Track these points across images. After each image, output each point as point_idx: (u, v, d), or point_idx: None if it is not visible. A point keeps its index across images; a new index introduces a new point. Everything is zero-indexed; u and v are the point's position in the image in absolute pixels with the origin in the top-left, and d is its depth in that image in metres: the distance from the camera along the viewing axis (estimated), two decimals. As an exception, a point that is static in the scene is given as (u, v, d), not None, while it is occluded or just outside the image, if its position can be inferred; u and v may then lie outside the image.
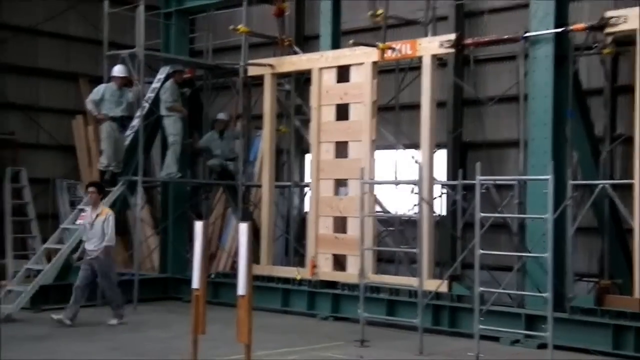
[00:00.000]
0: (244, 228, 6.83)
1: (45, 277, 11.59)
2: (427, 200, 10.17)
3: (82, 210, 12.58)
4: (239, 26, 12.65)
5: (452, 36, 10.79)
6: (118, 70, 12.50)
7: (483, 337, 8.51)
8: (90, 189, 11.04)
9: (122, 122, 12.55)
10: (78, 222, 12.37)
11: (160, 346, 9.02)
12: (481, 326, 8.34)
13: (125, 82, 12.64)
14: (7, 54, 16.23)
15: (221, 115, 14.09)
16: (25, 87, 16.65)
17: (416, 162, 11.55)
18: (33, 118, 16.64)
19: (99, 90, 12.49)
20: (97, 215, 10.60)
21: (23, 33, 16.38)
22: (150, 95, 13.32)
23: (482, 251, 8.41)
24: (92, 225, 10.58)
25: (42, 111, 16.92)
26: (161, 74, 13.65)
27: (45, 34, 16.73)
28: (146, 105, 12.94)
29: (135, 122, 12.84)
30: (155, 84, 13.50)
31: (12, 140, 16.20)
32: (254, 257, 7.86)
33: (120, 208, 13.27)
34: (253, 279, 6.90)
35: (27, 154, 16.45)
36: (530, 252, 9.46)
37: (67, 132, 17.06)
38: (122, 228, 14.87)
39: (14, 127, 16.32)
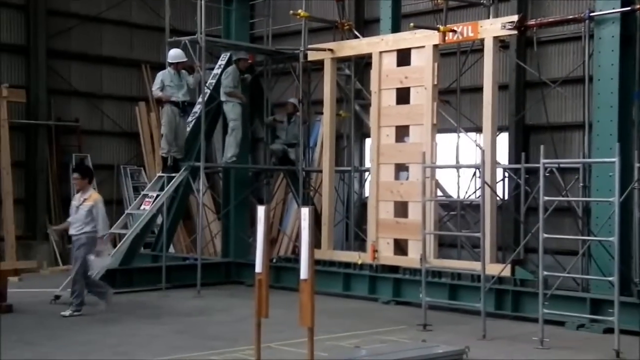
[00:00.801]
0: (306, 212, 6.86)
1: (111, 262, 11.84)
2: (489, 184, 10.05)
3: (146, 195, 12.87)
4: (299, 11, 12.67)
5: (515, 17, 10.59)
6: (172, 56, 12.58)
7: (547, 322, 8.41)
8: (74, 175, 10.96)
9: (184, 107, 12.63)
10: (142, 207, 12.66)
11: (225, 329, 9.16)
12: (545, 310, 8.23)
13: (184, 67, 12.72)
14: (72, 42, 16.63)
15: (292, 99, 14.11)
16: (89, 75, 17.04)
17: (478, 146, 11.41)
18: (97, 105, 17.02)
19: (158, 78, 12.63)
20: (84, 200, 10.18)
21: (88, 21, 16.75)
22: (211, 81, 13.48)
23: (546, 235, 8.27)
24: (78, 209, 10.18)
25: (106, 98, 17.29)
26: (222, 60, 13.79)
27: (109, 22, 17.08)
28: (207, 91, 13.09)
29: (197, 108, 13.01)
30: (216, 70, 13.65)
31: (76, 127, 16.62)
32: (314, 241, 7.88)
33: (183, 193, 13.52)
34: (314, 263, 6.92)
35: (92, 141, 16.85)
36: (595, 236, 9.26)
37: (131, 119, 17.40)
38: (185, 213, 15.14)
39: (78, 114, 16.73)
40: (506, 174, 12.81)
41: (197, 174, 12.77)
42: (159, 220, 13.57)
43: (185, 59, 12.61)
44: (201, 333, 8.95)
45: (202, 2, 12.44)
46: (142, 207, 12.65)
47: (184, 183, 12.88)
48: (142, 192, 13.32)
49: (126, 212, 13.26)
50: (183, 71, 12.70)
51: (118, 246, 12.16)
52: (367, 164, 13.82)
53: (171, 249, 14.58)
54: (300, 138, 13.48)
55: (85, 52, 16.86)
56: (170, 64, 12.60)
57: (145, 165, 17.16)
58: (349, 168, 13.93)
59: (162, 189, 12.63)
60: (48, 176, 16.06)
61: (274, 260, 12.78)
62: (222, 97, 13.24)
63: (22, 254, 14.41)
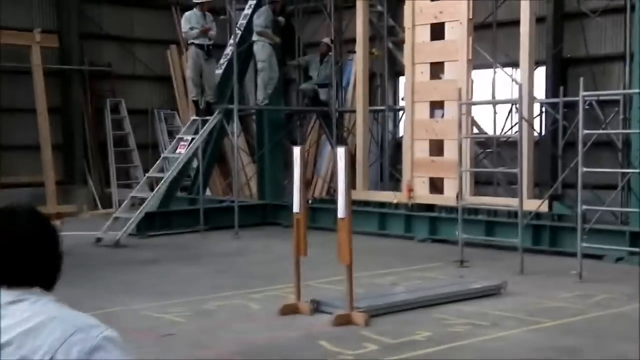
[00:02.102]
0: (342, 152, 6.84)
1: (149, 205, 12.01)
2: (527, 119, 9.89)
3: (181, 139, 12.93)
4: (330, -52, 12.40)
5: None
6: None
7: (585, 256, 8.37)
8: None
9: (208, 49, 12.44)
10: (178, 151, 12.74)
11: (264, 269, 9.28)
12: (584, 244, 8.17)
13: (210, 8, 12.55)
14: (102, -15, 16.55)
15: (325, 39, 13.89)
16: (120, 18, 16.96)
17: (515, 80, 11.20)
18: (129, 49, 17.00)
19: (184, 20, 12.49)
20: None
21: (117, -35, 16.62)
22: (242, 22, 13.34)
23: (585, 169, 8.16)
24: None
25: (137, 42, 17.24)
26: (252, 0, 13.61)
27: (139, -36, 16.92)
28: (239, 32, 12.97)
29: (228, 50, 12.91)
30: (247, 11, 13.50)
31: (109, 72, 16.65)
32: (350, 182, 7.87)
33: (218, 136, 13.55)
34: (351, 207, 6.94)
35: (125, 85, 16.88)
36: (635, 169, 9.11)
37: (162, 63, 17.37)
38: (220, 157, 15.21)
39: (110, 58, 16.74)
40: (544, 109, 12.60)
41: (230, 116, 12.77)
42: (195, 163, 13.67)
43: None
44: (240, 272, 9.09)
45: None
46: (177, 151, 12.73)
47: (218, 126, 12.90)
48: (177, 136, 13.38)
49: (162, 156, 13.36)
50: (208, 13, 12.52)
51: (156, 189, 12.29)
52: (402, 103, 13.67)
53: (207, 192, 14.70)
54: (333, 78, 13.35)
55: (114, -5, 16.76)
56: (196, 4, 12.46)
57: (178, 108, 17.20)
58: (382, 107, 13.80)
59: (196, 132, 12.67)
60: (84, 121, 16.20)
61: (310, 202, 12.82)
62: (254, 37, 13.11)
63: (62, 199, 14.70)
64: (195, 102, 12.87)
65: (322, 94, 13.99)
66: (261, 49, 12.99)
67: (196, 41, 12.35)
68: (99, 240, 11.17)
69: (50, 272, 1.89)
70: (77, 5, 16.01)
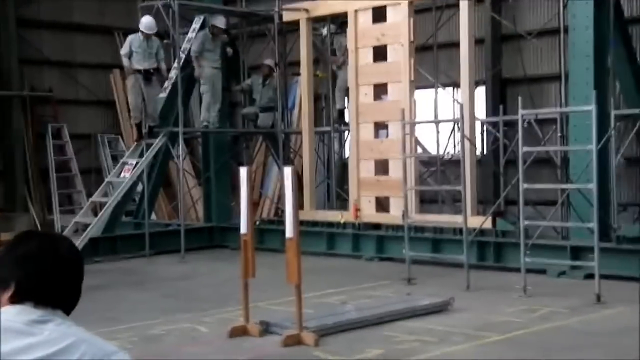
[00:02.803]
0: (288, 172, 6.89)
1: (93, 230, 11.84)
2: (469, 137, 10.11)
3: (125, 163, 12.80)
4: (272, -30, 12.53)
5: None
6: (145, 25, 12.28)
7: (529, 271, 8.56)
8: None
9: (148, 74, 12.31)
10: (122, 175, 12.61)
11: (212, 292, 9.22)
12: (527, 260, 8.37)
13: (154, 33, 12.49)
14: (42, 10, 16.33)
15: (267, 61, 13.94)
16: (62, 43, 16.77)
17: (456, 100, 11.45)
18: (71, 74, 16.79)
19: (127, 43, 12.41)
20: None
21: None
22: (185, 46, 13.33)
23: (526, 185, 8.38)
24: None
25: (80, 67, 17.05)
26: (196, 24, 13.62)
27: (79, -12, 16.78)
28: (182, 55, 12.95)
29: (172, 74, 12.88)
30: (191, 34, 13.50)
31: (51, 97, 16.41)
32: (297, 203, 7.92)
33: (163, 160, 13.46)
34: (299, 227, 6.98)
35: (67, 110, 16.67)
36: (574, 184, 9.39)
37: (106, 87, 17.21)
38: (165, 180, 15.10)
39: (52, 83, 16.51)
40: (485, 128, 12.90)
41: (176, 139, 12.71)
42: (140, 187, 13.53)
43: (155, 30, 12.37)
44: (188, 296, 9.01)
45: (174, -37, 12.24)
46: (122, 175, 12.60)
47: (163, 149, 12.82)
48: (121, 160, 13.24)
49: (106, 180, 13.19)
50: (154, 37, 12.49)
51: (100, 214, 12.12)
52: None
53: (153, 216, 14.55)
54: (279, 100, 13.43)
55: (56, 20, 16.58)
56: (141, 30, 12.41)
57: (122, 133, 17.03)
58: (328, 128, 13.92)
59: (141, 156, 12.56)
60: (25, 147, 15.89)
61: (257, 223, 12.80)
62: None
63: (3, 226, 14.35)
64: (138, 126, 12.78)
65: (263, 119, 13.95)
66: (202, 72, 12.99)
67: (136, 66, 12.27)
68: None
69: (74, 298, 1.97)
70: (16, 30, 15.77)
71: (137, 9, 13.07)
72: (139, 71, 12.29)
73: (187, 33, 13.57)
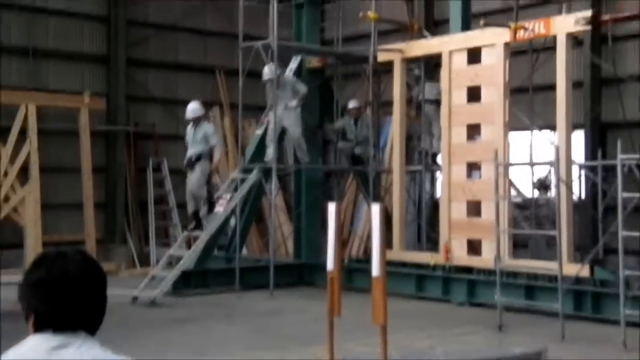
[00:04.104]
0: (376, 209, 6.85)
1: (186, 263, 12.08)
2: (565, 181, 9.82)
3: (219, 197, 13.08)
4: (368, 13, 12.66)
5: (588, 13, 10.33)
6: (189, 111, 12.43)
7: (630, 324, 8.15)
8: None
9: (191, 162, 12.36)
10: (216, 209, 12.88)
11: (298, 329, 9.22)
12: (627, 311, 7.98)
13: (199, 119, 12.47)
14: (150, 50, 17.07)
15: (353, 103, 14.13)
16: (166, 81, 17.44)
17: (552, 143, 11.17)
18: (173, 111, 17.39)
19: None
20: None
21: (165, 30, 17.16)
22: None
23: (625, 233, 8.04)
24: None
25: (181, 104, 17.61)
26: (293, 64, 13.89)
27: (185, 30, 17.45)
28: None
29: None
30: (288, 74, 13.76)
31: (153, 133, 17.03)
32: (386, 242, 7.87)
33: (256, 195, 13.67)
34: (386, 264, 6.91)
35: (168, 145, 17.21)
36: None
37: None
38: (257, 215, 15.32)
39: (154, 119, 17.14)
40: (583, 172, 12.50)
41: (269, 175, 12.90)
42: (232, 222, 13.77)
43: (199, 114, 12.42)
44: (274, 333, 9.04)
45: (275, 5, 12.55)
46: (216, 209, 12.86)
47: (257, 185, 13.03)
48: (216, 195, 13.53)
49: (200, 214, 13.49)
50: (204, 122, 12.51)
51: (193, 248, 12.39)
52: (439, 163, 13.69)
53: (244, 251, 14.76)
54: (371, 138, 13.47)
55: (162, 60, 17.28)
56: (188, 120, 12.53)
57: (218, 169, 17.42)
58: (419, 167, 13.82)
59: (235, 191, 12.81)
60: (126, 180, 16.51)
61: (346, 262, 12.77)
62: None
63: (102, 257, 14.88)
64: (194, 214, 12.54)
65: (358, 149, 14.07)
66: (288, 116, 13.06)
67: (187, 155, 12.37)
68: (135, 299, 11.23)
69: (96, 316, 1.91)
70: (125, 69, 16.53)
71: (238, 49, 13.42)
72: (187, 162, 12.42)
73: (284, 73, 13.85)
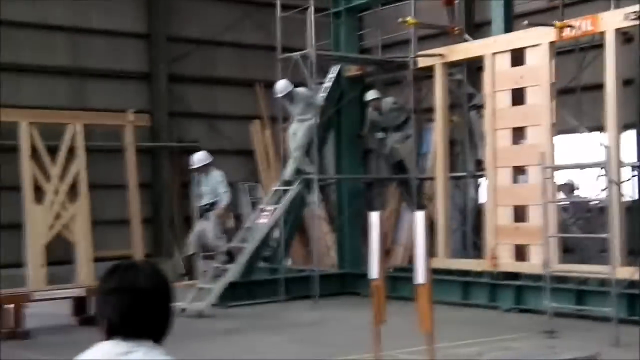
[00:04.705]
0: (420, 216, 6.73)
1: (231, 275, 12.08)
2: (616, 182, 9.52)
3: (263, 209, 13.07)
4: (407, 18, 12.54)
5: (638, 7, 10.03)
6: (196, 160, 12.51)
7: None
8: None
9: (205, 210, 12.49)
10: (260, 221, 12.86)
11: (342, 338, 9.11)
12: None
13: (205, 169, 12.48)
14: (190, 66, 17.21)
15: (371, 95, 13.76)
16: (206, 96, 17.57)
17: (602, 145, 10.86)
18: (214, 125, 17.51)
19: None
20: None
21: (204, 45, 17.29)
22: (322, 94, 13.53)
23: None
24: None
25: (222, 118, 17.75)
26: (332, 73, 13.84)
27: (224, 44, 17.56)
28: (319, 104, 13.14)
29: (309, 122, 13.06)
30: (327, 83, 13.72)
31: (196, 148, 17.10)
32: (430, 250, 7.74)
33: (298, 206, 13.62)
34: (431, 272, 6.77)
35: (211, 160, 17.28)
36: None
37: (246, 137, 17.76)
38: (300, 226, 15.26)
39: (197, 134, 17.26)
40: (635, 173, 12.12)
41: (310, 186, 12.84)
42: (277, 233, 13.74)
43: (204, 162, 12.43)
44: (320, 342, 8.95)
45: (312, 16, 12.53)
46: (258, 221, 12.85)
47: (299, 196, 12.98)
48: (259, 206, 13.53)
49: (245, 226, 13.49)
50: (212, 170, 12.50)
51: (238, 260, 12.38)
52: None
53: (289, 262, 14.71)
54: (414, 146, 13.31)
55: (202, 75, 17.41)
56: (194, 169, 12.63)
57: (261, 181, 17.45)
58: (463, 174, 13.60)
59: (278, 202, 12.78)
60: (171, 195, 16.64)
61: (390, 270, 12.61)
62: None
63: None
64: (187, 258, 12.78)
65: (396, 144, 13.81)
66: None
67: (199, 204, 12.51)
68: (183, 310, 11.26)
69: (163, 325, 2.00)
70: (167, 86, 16.69)
71: (276, 60, 13.44)
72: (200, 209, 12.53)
73: (323, 83, 13.81)
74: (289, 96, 12.87)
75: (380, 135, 14.07)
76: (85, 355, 1.96)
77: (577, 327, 9.23)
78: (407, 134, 13.71)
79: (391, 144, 14.04)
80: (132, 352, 1.90)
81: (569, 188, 12.78)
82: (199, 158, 12.51)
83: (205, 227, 12.48)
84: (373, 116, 13.99)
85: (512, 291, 10.88)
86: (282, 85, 12.83)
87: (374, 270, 6.99)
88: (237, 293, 12.21)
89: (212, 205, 12.30)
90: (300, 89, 13.09)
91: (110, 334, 1.95)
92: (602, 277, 9.49)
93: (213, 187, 12.28)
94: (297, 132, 12.97)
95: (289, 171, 13.05)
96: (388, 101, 13.97)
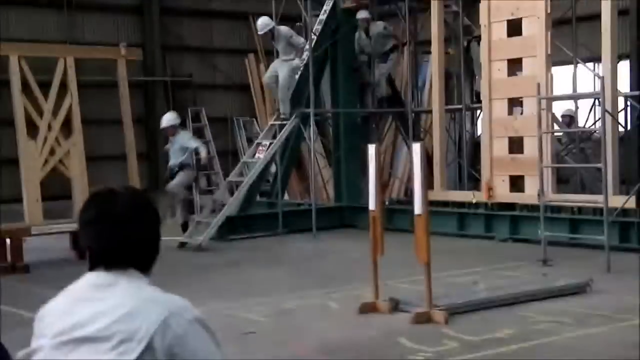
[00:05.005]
0: (417, 147, 6.80)
1: (230, 209, 12.23)
2: (610, 112, 9.60)
3: (259, 144, 13.13)
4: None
5: None
6: (164, 120, 12.21)
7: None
8: None
9: (173, 172, 12.12)
10: (257, 156, 12.94)
11: (341, 269, 9.30)
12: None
13: (173, 130, 12.17)
14: (183, -1, 17.01)
15: (361, 14, 13.54)
16: (200, 30, 17.38)
17: (597, 75, 10.90)
18: (209, 59, 17.38)
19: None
20: None
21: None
22: (317, 27, 13.43)
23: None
24: None
25: (217, 52, 17.61)
26: (327, 6, 13.69)
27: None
28: (314, 38, 13.06)
29: (304, 56, 13.02)
30: (322, 16, 13.58)
31: (190, 82, 17.07)
32: (427, 183, 7.84)
33: (295, 141, 13.68)
34: (428, 204, 6.89)
35: (205, 95, 17.28)
36: None
37: (241, 71, 17.68)
38: (297, 161, 15.36)
39: (191, 69, 17.16)
40: (629, 103, 12.19)
41: (307, 121, 12.87)
42: (273, 168, 13.84)
43: (175, 123, 12.10)
44: (319, 273, 9.14)
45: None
46: (256, 156, 12.93)
47: (295, 130, 13.02)
48: (256, 141, 13.59)
49: (241, 161, 13.58)
50: (180, 132, 12.23)
51: (236, 194, 12.50)
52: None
53: (286, 196, 14.86)
54: (410, 78, 13.29)
55: (195, 8, 17.18)
56: (163, 129, 12.28)
57: (257, 115, 17.46)
58: (459, 106, 13.62)
59: (274, 137, 12.83)
60: (166, 131, 16.61)
61: (386, 203, 12.76)
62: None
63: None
64: (182, 226, 12.05)
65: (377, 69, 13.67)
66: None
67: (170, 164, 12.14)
68: (182, 244, 11.44)
69: (147, 254, 1.91)
70: (159, 19, 16.49)
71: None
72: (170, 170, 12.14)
73: (318, 15, 13.67)
74: (271, 34, 12.75)
75: (363, 58, 13.94)
76: (68, 287, 1.90)
77: (570, 256, 9.45)
78: (389, 68, 13.58)
79: (377, 76, 13.96)
80: (113, 285, 1.83)
81: (569, 119, 12.83)
82: (168, 118, 12.23)
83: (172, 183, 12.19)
84: (361, 40, 13.87)
85: (508, 222, 11.07)
86: (262, 23, 12.73)
87: (372, 201, 7.10)
88: (235, 227, 12.37)
89: (181, 167, 12.03)
90: (282, 28, 12.93)
91: (93, 265, 1.87)
92: (595, 206, 9.65)
93: (182, 146, 11.99)
94: (279, 71, 12.86)
95: (282, 107, 13.02)
96: (379, 25, 13.82)
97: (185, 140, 12.20)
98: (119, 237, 1.86)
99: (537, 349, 5.73)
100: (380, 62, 13.89)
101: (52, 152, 14.31)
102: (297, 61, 12.82)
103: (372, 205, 7.10)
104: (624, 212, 9.69)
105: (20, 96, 14.03)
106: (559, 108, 12.59)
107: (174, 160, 12.09)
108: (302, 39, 12.97)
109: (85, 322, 1.80)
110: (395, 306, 6.91)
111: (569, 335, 6.03)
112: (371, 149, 7.26)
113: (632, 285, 7.67)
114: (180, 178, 12.07)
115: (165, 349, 1.78)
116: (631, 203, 9.63)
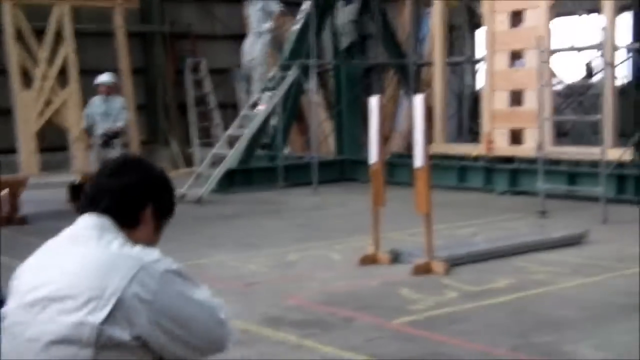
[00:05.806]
0: (419, 100, 6.83)
1: (230, 162, 12.27)
2: (610, 63, 9.60)
3: (258, 97, 13.11)
4: None
5: None
6: (107, 75, 10.95)
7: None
8: None
9: (107, 137, 10.65)
10: (258, 108, 12.94)
11: (342, 222, 9.41)
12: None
13: (112, 90, 10.94)
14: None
15: None
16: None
17: (598, 27, 10.85)
18: (208, 8, 17.19)
19: (88, 105, 11.07)
20: None
21: None
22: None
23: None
24: None
25: (216, 1, 17.39)
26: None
27: None
28: (274, 10, 12.91)
29: (306, 5, 12.90)
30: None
31: (189, 32, 16.91)
32: (428, 137, 7.87)
33: (295, 93, 13.66)
34: (429, 157, 6.94)
35: (205, 45, 17.12)
36: None
37: (240, 21, 17.51)
38: (298, 113, 15.35)
39: (190, 19, 16.98)
40: (630, 55, 12.16)
41: (308, 72, 12.83)
42: (274, 121, 13.84)
43: (113, 81, 10.96)
44: (320, 226, 9.25)
45: None
46: (257, 108, 12.93)
47: (296, 82, 12.99)
48: (256, 94, 13.55)
49: (241, 113, 13.57)
50: (116, 96, 11.01)
51: (236, 146, 12.54)
52: (480, 54, 13.43)
53: (286, 149, 14.90)
54: (411, 30, 13.20)
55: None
56: (97, 86, 10.84)
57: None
58: (461, 59, 13.60)
59: (274, 89, 12.81)
60: (165, 82, 16.57)
61: (387, 157, 12.79)
62: None
63: (147, 158, 15.15)
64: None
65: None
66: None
67: (99, 130, 10.69)
68: (183, 197, 11.49)
69: (127, 204, 1.89)
70: (156, -33, 16.27)
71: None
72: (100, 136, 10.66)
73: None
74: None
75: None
76: (47, 242, 1.92)
77: (568, 208, 9.57)
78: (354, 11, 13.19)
79: (341, 20, 13.52)
80: (88, 239, 1.83)
81: (589, 71, 12.72)
82: (103, 80, 10.93)
83: (108, 156, 10.45)
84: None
85: (507, 175, 11.16)
86: None
87: (373, 154, 7.16)
88: (236, 180, 12.44)
89: (117, 134, 10.78)
90: None
91: (79, 212, 1.92)
92: (593, 159, 9.73)
93: (116, 112, 10.76)
94: (255, 45, 12.56)
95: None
96: None
97: (121, 107, 10.88)
98: (105, 186, 1.91)
99: (535, 299, 5.86)
100: (344, 6, 13.41)
101: (48, 102, 14.06)
102: (268, 36, 12.48)
103: (373, 158, 7.16)
104: (621, 164, 9.77)
105: (14, 44, 13.83)
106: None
107: (108, 125, 10.64)
108: (276, 5, 12.65)
109: (52, 280, 1.77)
110: (396, 258, 7.03)
111: (566, 285, 6.17)
112: (373, 101, 7.29)
113: (628, 236, 7.81)
114: (120, 149, 10.79)
115: (146, 319, 1.71)
116: (627, 156, 9.72)
